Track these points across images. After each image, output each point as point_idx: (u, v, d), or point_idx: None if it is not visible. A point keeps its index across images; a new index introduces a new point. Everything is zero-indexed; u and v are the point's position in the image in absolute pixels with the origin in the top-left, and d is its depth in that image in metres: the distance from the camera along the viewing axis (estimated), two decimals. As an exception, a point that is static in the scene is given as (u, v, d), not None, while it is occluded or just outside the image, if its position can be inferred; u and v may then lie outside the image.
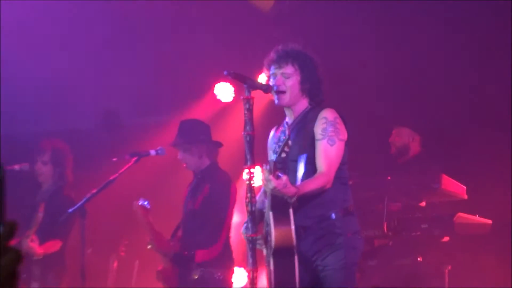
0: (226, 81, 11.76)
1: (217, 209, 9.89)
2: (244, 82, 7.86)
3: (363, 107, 10.97)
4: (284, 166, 8.12)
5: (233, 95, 11.94)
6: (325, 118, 7.97)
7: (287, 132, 8.27)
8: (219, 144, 10.22)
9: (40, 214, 10.74)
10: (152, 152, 9.75)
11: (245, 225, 7.90)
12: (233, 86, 11.71)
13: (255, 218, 7.94)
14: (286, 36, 10.37)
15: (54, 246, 10.33)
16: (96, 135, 12.66)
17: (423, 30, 11.54)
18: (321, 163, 7.88)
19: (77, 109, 12.81)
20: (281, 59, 8.11)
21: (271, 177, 7.41)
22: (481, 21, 11.59)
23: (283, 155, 8.24)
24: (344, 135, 7.89)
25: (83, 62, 12.45)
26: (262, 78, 9.24)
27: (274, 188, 7.29)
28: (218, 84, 12.01)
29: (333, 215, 7.88)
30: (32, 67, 12.48)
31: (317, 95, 8.13)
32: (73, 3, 12.77)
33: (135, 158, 9.62)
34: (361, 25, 11.84)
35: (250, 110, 7.82)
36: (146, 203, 10.16)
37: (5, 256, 2.14)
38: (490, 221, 10.49)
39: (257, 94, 8.09)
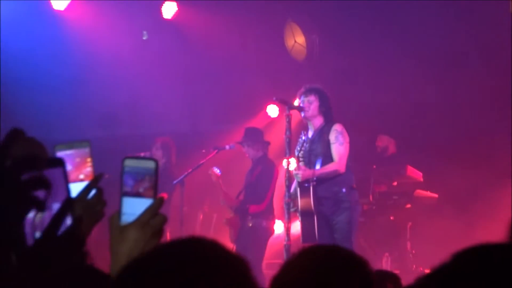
0: (274, 104, 12.88)
1: (265, 181, 11.73)
2: (285, 104, 9.96)
3: (361, 122, 11.66)
4: (305, 159, 9.96)
5: (278, 113, 13.05)
6: (336, 130, 9.87)
7: (309, 137, 10.02)
8: (268, 143, 11.95)
9: None
10: (227, 146, 11.80)
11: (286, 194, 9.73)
12: (278, 107, 12.67)
13: (289, 190, 9.79)
14: (311, 76, 11.59)
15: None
16: (185, 134, 13.29)
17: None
18: (335, 157, 9.79)
19: (172, 118, 13.35)
20: (307, 92, 9.95)
21: (297, 168, 9.68)
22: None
23: (306, 152, 10.01)
24: (347, 139, 9.81)
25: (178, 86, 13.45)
26: (296, 103, 10.23)
27: (297, 173, 9.69)
28: (269, 105, 13.23)
29: (344, 190, 9.83)
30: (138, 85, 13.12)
31: (329, 114, 10.00)
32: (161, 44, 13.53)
33: (216, 151, 11.62)
34: (365, 61, 12.20)
35: (289, 122, 9.74)
36: (218, 170, 12.01)
37: (155, 218, 2.52)
38: (436, 195, 12.14)
39: (294, 112, 9.84)
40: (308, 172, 9.68)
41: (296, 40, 13.53)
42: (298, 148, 9.87)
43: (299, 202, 9.82)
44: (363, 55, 12.01)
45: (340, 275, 3.19)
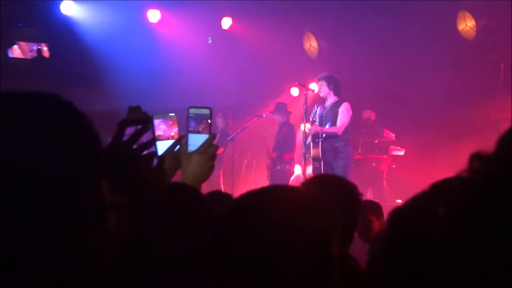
0: (296, 86, 12.54)
1: (290, 138, 11.44)
2: (304, 87, 10.28)
3: (353, 100, 10.42)
4: (319, 122, 9.86)
5: (298, 93, 12.73)
6: (344, 106, 9.77)
7: (324, 109, 9.91)
8: (289, 112, 11.63)
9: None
10: (264, 115, 11.66)
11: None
12: (299, 89, 12.25)
13: (306, 144, 9.97)
14: (321, 69, 11.09)
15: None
16: (236, 106, 12.92)
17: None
18: (338, 124, 9.73)
19: (228, 96, 12.84)
20: (318, 79, 9.90)
21: (311, 125, 9.76)
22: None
23: (320, 117, 9.89)
24: (350, 114, 9.77)
25: (232, 74, 13.31)
26: (312, 86, 10.47)
27: (310, 129, 9.79)
28: (292, 87, 12.96)
29: (342, 144, 9.78)
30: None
31: (338, 92, 9.84)
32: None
33: (256, 117, 11.57)
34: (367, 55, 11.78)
35: (306, 99, 10.06)
36: (265, 114, 11.65)
37: (210, 147, 2.46)
38: (404, 150, 11.73)
39: (309, 93, 10.11)
40: (318, 129, 9.77)
41: (311, 44, 13.67)
42: (312, 115, 9.89)
43: (312, 151, 9.87)
44: (356, 54, 11.77)
45: (338, 189, 3.15)
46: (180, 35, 13.36)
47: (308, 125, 10.08)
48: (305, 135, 10.15)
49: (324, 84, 9.88)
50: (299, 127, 11.11)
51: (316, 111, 9.93)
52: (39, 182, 1.10)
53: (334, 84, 9.86)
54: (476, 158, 1.01)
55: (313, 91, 10.33)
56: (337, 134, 9.73)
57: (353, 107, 10.17)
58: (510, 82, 9.82)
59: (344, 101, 9.83)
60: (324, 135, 9.80)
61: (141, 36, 13.14)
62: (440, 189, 1.10)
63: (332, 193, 3.01)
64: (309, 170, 10.20)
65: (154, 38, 13.38)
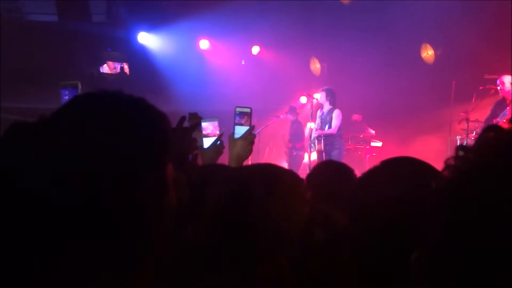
0: (304, 95, 11.97)
1: (300, 132, 11.15)
2: (310, 96, 10.18)
3: (345, 107, 10.22)
4: (320, 125, 9.74)
5: (306, 100, 11.85)
6: (335, 112, 9.62)
7: (323, 113, 9.77)
8: (298, 113, 11.49)
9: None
10: (281, 116, 11.46)
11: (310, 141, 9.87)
12: (306, 97, 11.48)
13: (311, 138, 9.84)
14: (323, 83, 11.04)
15: None
16: (260, 109, 11.65)
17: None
18: (332, 126, 9.61)
19: (255, 102, 14.32)
20: (321, 90, 9.77)
21: (315, 129, 9.60)
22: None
23: (321, 121, 9.76)
24: (341, 118, 9.62)
25: (258, 86, 12.79)
26: (317, 95, 10.13)
27: (316, 133, 9.67)
28: (301, 96, 12.32)
29: (337, 139, 9.66)
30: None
31: (334, 102, 9.67)
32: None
33: (275, 118, 11.35)
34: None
35: (311, 105, 9.99)
36: (282, 116, 11.35)
37: (250, 135, 2.42)
38: (381, 142, 11.11)
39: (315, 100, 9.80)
40: (320, 132, 9.71)
41: (315, 66, 13.37)
42: (317, 120, 9.84)
43: (317, 146, 9.81)
44: (349, 72, 11.48)
45: (338, 173, 3.00)
46: (222, 58, 13.30)
47: (312, 124, 10.02)
48: (310, 131, 10.12)
49: (324, 94, 9.78)
50: (306, 124, 10.98)
51: (321, 115, 9.87)
52: (125, 158, 0.97)
53: (331, 96, 9.73)
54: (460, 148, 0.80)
55: (316, 99, 10.17)
56: (333, 133, 9.67)
57: (345, 111, 9.98)
58: (458, 95, 9.77)
59: (336, 108, 9.72)
60: (324, 135, 9.77)
61: (195, 58, 13.08)
62: None
63: (338, 173, 2.99)
64: (313, 156, 10.10)
65: (204, 60, 13.36)
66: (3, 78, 10.18)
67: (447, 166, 0.80)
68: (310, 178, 2.99)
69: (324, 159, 9.55)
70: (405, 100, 10.74)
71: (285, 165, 11.24)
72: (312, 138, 9.92)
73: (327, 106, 9.67)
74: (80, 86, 2.39)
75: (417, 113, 10.70)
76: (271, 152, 12.76)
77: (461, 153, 0.80)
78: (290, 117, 11.42)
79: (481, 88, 8.98)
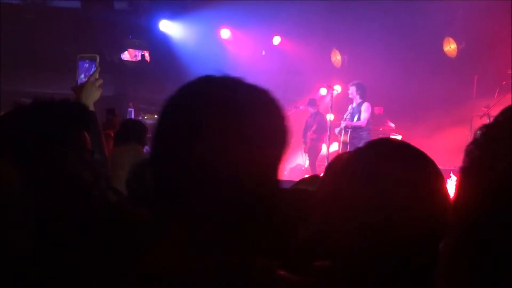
0: (324, 87, 12.01)
1: (324, 123, 10.86)
2: (330, 87, 10.20)
3: (369, 99, 9.91)
4: (349, 116, 9.76)
5: (326, 92, 11.92)
6: (366, 105, 9.63)
7: (353, 107, 9.72)
8: (319, 105, 11.37)
9: None
10: (301, 107, 11.37)
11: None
12: (326, 89, 11.57)
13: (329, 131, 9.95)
14: (344, 75, 11.41)
15: None
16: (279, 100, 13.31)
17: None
18: (361, 118, 9.61)
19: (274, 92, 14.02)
20: (352, 84, 9.73)
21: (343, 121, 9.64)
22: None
23: (350, 113, 9.73)
24: (369, 110, 9.59)
25: (278, 76, 12.70)
26: (337, 87, 10.48)
27: (343, 123, 9.69)
28: (321, 88, 12.33)
29: (365, 133, 9.59)
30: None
31: (363, 96, 9.68)
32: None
33: (295, 108, 11.14)
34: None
35: (331, 96, 9.98)
36: (301, 107, 11.25)
37: (97, 80, 2.36)
38: (401, 135, 10.61)
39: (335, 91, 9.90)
40: (348, 123, 9.73)
41: (336, 57, 13.31)
42: (346, 114, 9.86)
43: (342, 137, 9.87)
44: (369, 64, 11.43)
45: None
46: (243, 48, 13.32)
47: (332, 116, 10.07)
48: (329, 123, 10.15)
49: (354, 88, 9.79)
50: (326, 116, 11.00)
51: (352, 108, 9.85)
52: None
53: (361, 90, 9.74)
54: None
55: (336, 90, 10.19)
56: (361, 126, 9.65)
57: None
58: (480, 90, 9.75)
59: (365, 101, 9.73)
60: (351, 127, 9.80)
61: (215, 47, 13.08)
62: None
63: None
64: (333, 147, 10.24)
65: (224, 49, 13.34)
66: (25, 63, 10.32)
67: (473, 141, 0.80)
68: (331, 167, 2.97)
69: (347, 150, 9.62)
70: (426, 94, 10.68)
71: (301, 155, 11.33)
72: (338, 130, 9.93)
73: (357, 100, 9.67)
74: (98, 59, 2.39)
75: (438, 107, 10.65)
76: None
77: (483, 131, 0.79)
78: (310, 109, 11.35)
79: (504, 83, 8.92)
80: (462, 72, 10.29)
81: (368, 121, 9.55)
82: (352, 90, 9.75)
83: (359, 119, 9.66)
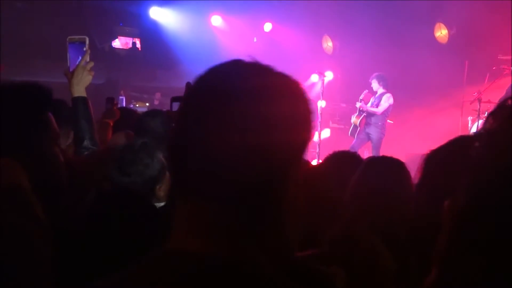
0: (316, 74, 11.25)
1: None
2: (322, 74, 9.99)
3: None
4: (372, 104, 9.72)
5: (318, 78, 11.35)
6: (387, 95, 9.57)
7: (375, 97, 9.70)
8: (309, 91, 11.45)
9: None
10: None
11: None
12: (318, 75, 10.80)
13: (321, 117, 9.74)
14: (335, 61, 11.26)
15: None
16: None
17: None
18: (380, 106, 9.56)
19: None
20: (373, 79, 9.68)
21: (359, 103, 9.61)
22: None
23: (372, 103, 9.69)
24: (391, 101, 9.49)
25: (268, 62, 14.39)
26: (328, 73, 10.60)
27: (360, 106, 9.66)
28: (313, 74, 11.95)
29: (380, 120, 9.54)
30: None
31: (386, 86, 9.63)
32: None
33: None
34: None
35: (322, 82, 9.89)
36: None
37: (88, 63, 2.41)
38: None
39: (325, 78, 9.88)
40: (362, 106, 9.71)
41: (328, 44, 13.30)
42: (361, 95, 9.85)
43: (355, 118, 9.89)
44: (359, 51, 11.40)
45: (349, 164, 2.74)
46: (235, 35, 13.25)
47: (323, 103, 10.00)
48: (321, 110, 10.06)
49: (376, 81, 9.73)
50: (317, 103, 10.69)
51: (375, 99, 9.81)
52: None
53: (383, 81, 9.71)
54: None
55: (327, 76, 10.11)
56: (377, 113, 9.61)
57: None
58: (471, 75, 9.71)
59: (388, 92, 9.69)
60: (366, 112, 9.77)
61: (207, 34, 13.06)
62: None
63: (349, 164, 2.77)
64: (324, 134, 10.26)
65: (215, 36, 13.31)
66: (14, 52, 10.24)
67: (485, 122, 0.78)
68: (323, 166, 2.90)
69: (356, 134, 9.64)
70: (417, 79, 10.69)
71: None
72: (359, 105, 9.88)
73: (381, 91, 9.66)
74: (87, 42, 2.38)
75: (429, 92, 10.66)
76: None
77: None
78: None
79: (494, 68, 8.91)
80: (453, 58, 10.28)
81: (386, 110, 9.50)
82: (374, 83, 9.73)
83: (377, 107, 9.68)
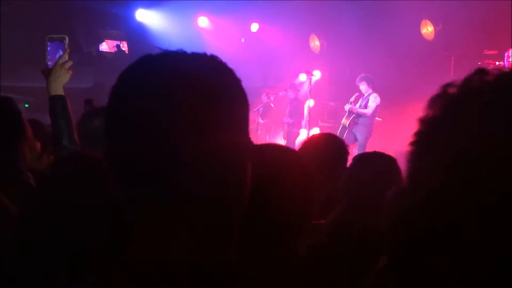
0: (303, 73, 11.66)
1: (299, 109, 11.10)
2: (309, 73, 10.10)
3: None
4: (359, 105, 9.81)
5: (305, 77, 11.47)
6: (373, 95, 9.70)
7: (363, 97, 9.81)
8: (298, 90, 11.35)
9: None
10: (280, 93, 11.55)
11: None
12: (306, 74, 11.10)
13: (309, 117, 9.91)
14: (323, 60, 11.45)
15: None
16: (259, 87, 12.08)
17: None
18: (368, 107, 9.68)
19: (254, 80, 12.22)
20: (360, 82, 9.76)
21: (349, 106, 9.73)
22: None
23: (360, 104, 9.76)
24: (377, 101, 9.62)
25: (256, 63, 13.52)
26: (316, 72, 10.80)
27: (350, 107, 9.76)
28: (301, 73, 12.07)
29: (368, 120, 9.64)
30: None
31: (373, 87, 9.74)
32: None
33: (275, 94, 11.47)
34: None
35: (309, 81, 9.90)
36: (281, 93, 11.43)
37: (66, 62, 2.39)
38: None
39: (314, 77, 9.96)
40: (352, 107, 9.80)
41: (315, 43, 13.28)
42: (352, 98, 9.93)
43: (344, 120, 9.98)
44: (346, 50, 11.43)
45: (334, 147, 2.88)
46: (221, 37, 13.23)
47: (312, 102, 10.08)
48: (309, 109, 10.11)
49: (365, 83, 9.79)
50: (305, 102, 10.95)
51: (361, 99, 9.88)
52: None
53: (371, 82, 9.79)
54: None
55: (315, 76, 10.25)
56: (366, 115, 9.69)
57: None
58: (457, 71, 9.60)
59: (374, 92, 9.75)
60: (356, 113, 9.83)
61: (193, 36, 13.00)
62: None
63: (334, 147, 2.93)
64: (313, 132, 9.96)
65: (203, 38, 13.26)
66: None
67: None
68: (304, 149, 2.93)
69: (344, 135, 9.62)
70: (404, 76, 10.72)
71: (281, 140, 11.31)
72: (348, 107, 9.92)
73: (369, 91, 9.75)
74: (67, 40, 2.34)
75: (416, 89, 10.47)
76: (270, 128, 12.70)
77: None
78: (290, 93, 11.32)
79: (480, 63, 8.85)
80: (439, 54, 10.34)
81: (374, 110, 9.57)
82: (362, 85, 9.77)
83: (365, 108, 9.72)
